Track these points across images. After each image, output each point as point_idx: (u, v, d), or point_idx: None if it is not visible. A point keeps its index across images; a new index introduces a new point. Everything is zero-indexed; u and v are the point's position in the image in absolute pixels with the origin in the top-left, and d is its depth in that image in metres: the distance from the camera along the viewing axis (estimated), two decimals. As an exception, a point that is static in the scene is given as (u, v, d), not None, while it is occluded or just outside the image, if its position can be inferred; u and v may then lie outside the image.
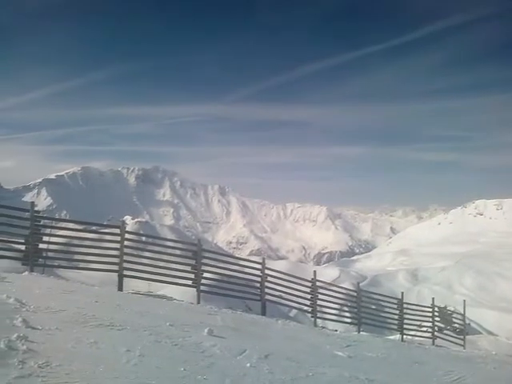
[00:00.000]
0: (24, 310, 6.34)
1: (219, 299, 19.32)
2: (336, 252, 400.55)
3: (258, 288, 15.67)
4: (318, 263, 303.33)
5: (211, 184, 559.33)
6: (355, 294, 19.36)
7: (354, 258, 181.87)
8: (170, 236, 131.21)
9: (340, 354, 9.26)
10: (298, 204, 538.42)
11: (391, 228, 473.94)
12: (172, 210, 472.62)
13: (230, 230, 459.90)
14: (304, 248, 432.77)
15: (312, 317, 17.27)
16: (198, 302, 13.28)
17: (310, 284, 17.18)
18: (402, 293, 21.48)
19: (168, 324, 7.74)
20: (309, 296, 17.09)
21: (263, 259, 16.09)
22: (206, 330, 7.84)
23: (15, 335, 4.99)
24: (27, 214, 11.52)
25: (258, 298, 15.57)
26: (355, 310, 19.29)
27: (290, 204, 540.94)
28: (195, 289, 13.71)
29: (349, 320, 20.47)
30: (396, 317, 20.49)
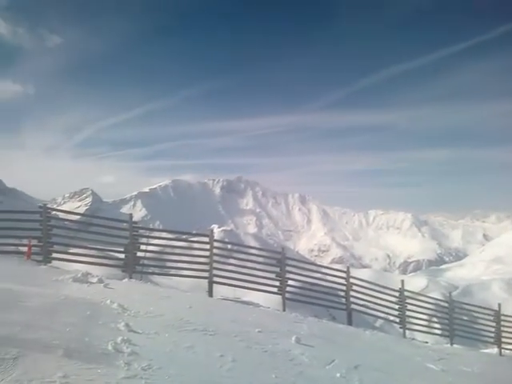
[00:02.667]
0: (126, 314, 6.85)
1: (303, 307, 19.32)
2: (423, 260, 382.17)
3: (342, 297, 15.48)
4: (403, 272, 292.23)
5: (291, 193, 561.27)
6: (446, 304, 18.47)
7: (443, 266, 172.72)
8: (253, 244, 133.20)
9: (433, 367, 8.93)
10: (381, 211, 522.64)
11: (484, 235, 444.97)
12: (255, 218, 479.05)
13: (312, 238, 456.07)
14: (388, 256, 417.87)
15: (400, 327, 16.73)
16: (284, 310, 13.40)
17: (397, 294, 16.69)
18: (499, 304, 20.15)
19: (257, 330, 7.95)
20: (396, 306, 16.60)
21: (347, 268, 15.88)
22: (293, 338, 7.94)
23: (120, 338, 5.46)
24: (125, 225, 12.36)
25: (344, 307, 15.39)
26: (446, 321, 18.39)
27: (372, 211, 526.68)
28: (280, 296, 13.87)
29: (439, 331, 19.57)
30: (492, 329, 19.24)
